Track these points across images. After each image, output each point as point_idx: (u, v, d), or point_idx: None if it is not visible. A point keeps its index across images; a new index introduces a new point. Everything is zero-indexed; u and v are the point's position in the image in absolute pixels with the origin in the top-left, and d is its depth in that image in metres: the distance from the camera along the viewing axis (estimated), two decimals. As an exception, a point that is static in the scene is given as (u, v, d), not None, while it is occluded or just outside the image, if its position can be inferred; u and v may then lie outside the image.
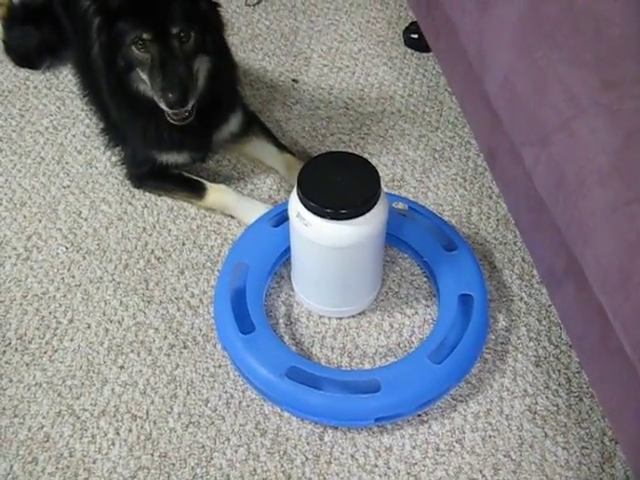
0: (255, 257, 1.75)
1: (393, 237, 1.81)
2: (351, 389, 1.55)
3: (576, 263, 1.34)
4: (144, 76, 1.74)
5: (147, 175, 2.00)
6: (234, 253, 1.77)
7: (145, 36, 1.67)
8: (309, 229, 1.55)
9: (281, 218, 1.79)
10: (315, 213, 1.53)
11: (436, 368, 1.57)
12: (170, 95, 1.69)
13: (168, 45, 1.69)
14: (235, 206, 1.92)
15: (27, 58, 2.35)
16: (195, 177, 1.98)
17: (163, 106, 1.73)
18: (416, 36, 2.35)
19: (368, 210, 1.53)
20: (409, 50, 2.40)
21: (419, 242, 1.81)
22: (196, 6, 1.73)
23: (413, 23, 2.38)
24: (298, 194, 1.55)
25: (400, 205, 1.79)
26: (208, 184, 1.95)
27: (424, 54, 2.37)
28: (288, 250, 1.74)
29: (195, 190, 1.96)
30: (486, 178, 2.01)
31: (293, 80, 2.30)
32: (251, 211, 1.88)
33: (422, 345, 1.62)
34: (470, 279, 1.71)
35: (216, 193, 1.93)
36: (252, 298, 1.68)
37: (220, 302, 1.68)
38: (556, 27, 1.43)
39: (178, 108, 1.73)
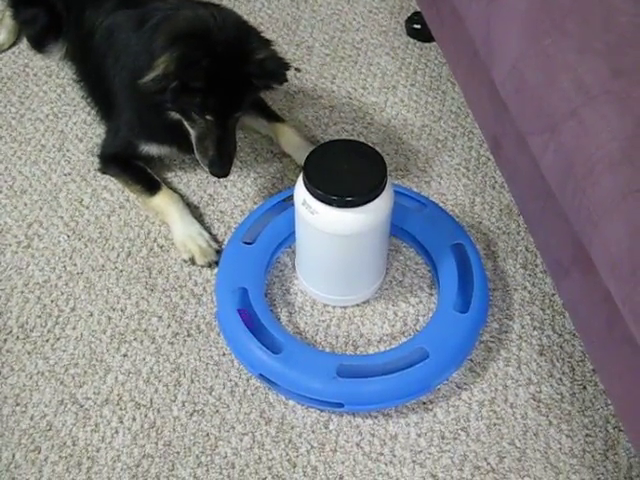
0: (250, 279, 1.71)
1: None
2: (403, 365, 1.55)
3: (583, 251, 1.33)
4: (191, 130, 1.79)
5: (116, 160, 2.00)
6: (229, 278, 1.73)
7: (209, 117, 1.73)
8: (315, 217, 1.55)
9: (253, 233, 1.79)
10: (321, 200, 1.52)
11: (466, 317, 1.61)
12: (216, 167, 1.79)
13: (226, 125, 1.76)
14: (173, 217, 1.88)
15: (36, 41, 2.33)
16: (156, 177, 1.96)
17: (206, 169, 1.81)
18: (418, 26, 2.34)
19: (374, 198, 1.53)
20: (411, 40, 2.39)
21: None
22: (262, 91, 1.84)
23: (416, 13, 2.37)
24: (304, 181, 1.54)
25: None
26: (164, 187, 1.93)
27: (426, 44, 2.37)
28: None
29: (148, 188, 1.93)
30: (489, 168, 2.01)
31: (295, 69, 2.30)
32: (183, 230, 1.85)
33: (443, 300, 1.66)
34: (455, 231, 1.77)
35: (164, 198, 1.90)
36: (265, 317, 1.64)
37: (236, 328, 1.62)
38: (565, 15, 1.43)
39: (221, 177, 1.84)
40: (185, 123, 1.79)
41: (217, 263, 1.80)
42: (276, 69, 1.75)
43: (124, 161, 1.98)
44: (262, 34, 1.80)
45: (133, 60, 1.82)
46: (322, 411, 1.57)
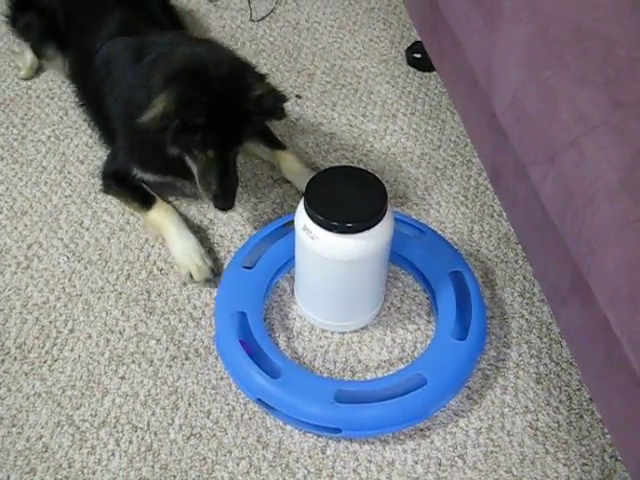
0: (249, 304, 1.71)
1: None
2: (401, 391, 1.56)
3: (582, 279, 1.34)
4: (192, 165, 1.81)
5: (115, 179, 2.01)
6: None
7: (210, 153, 1.74)
8: (315, 242, 1.56)
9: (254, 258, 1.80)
10: (322, 226, 1.53)
11: (464, 344, 1.63)
12: (221, 200, 1.80)
13: (227, 159, 1.78)
14: (170, 231, 1.89)
15: (36, 47, 2.34)
16: (151, 192, 1.97)
17: (210, 202, 1.83)
18: (419, 55, 2.37)
19: (375, 224, 1.54)
20: (412, 69, 2.42)
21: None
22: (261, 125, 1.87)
23: (416, 43, 2.40)
24: (305, 207, 1.56)
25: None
26: (159, 201, 1.94)
27: (426, 73, 2.39)
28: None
29: (144, 203, 1.95)
30: (487, 196, 2.03)
31: (297, 96, 2.32)
32: (181, 243, 1.86)
33: (441, 327, 1.67)
34: (454, 258, 1.79)
35: (160, 211, 1.92)
36: (263, 341, 1.64)
37: (235, 353, 1.63)
38: (565, 48, 1.45)
39: (226, 210, 1.85)
40: (187, 158, 1.81)
41: (212, 280, 1.82)
42: (274, 105, 1.76)
43: (122, 180, 1.99)
44: (256, 69, 1.81)
45: (129, 94, 1.84)
46: (319, 436, 1.57)
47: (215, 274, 1.83)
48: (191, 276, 1.82)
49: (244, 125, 1.76)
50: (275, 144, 2.10)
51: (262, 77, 1.79)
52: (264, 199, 2.03)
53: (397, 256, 1.83)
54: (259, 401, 1.58)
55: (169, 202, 1.99)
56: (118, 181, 2.00)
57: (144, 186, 1.98)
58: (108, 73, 1.93)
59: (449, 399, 1.62)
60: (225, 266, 1.85)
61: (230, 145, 1.77)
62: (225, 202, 1.80)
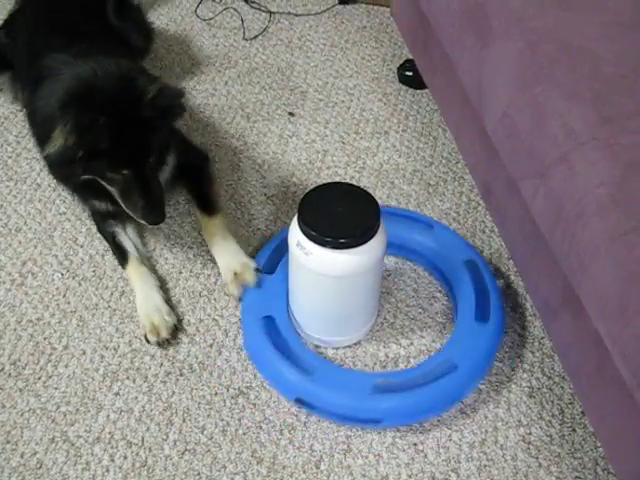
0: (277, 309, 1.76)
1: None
2: (434, 377, 1.62)
3: (573, 293, 1.36)
4: (113, 191, 1.74)
5: (96, 227, 1.99)
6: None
7: (125, 172, 1.69)
8: (309, 258, 1.57)
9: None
10: (315, 242, 1.54)
11: (487, 326, 1.70)
12: (151, 215, 1.74)
13: (144, 173, 1.71)
14: (136, 291, 1.83)
15: None
16: (124, 246, 1.91)
17: (142, 222, 1.77)
18: (410, 73, 2.39)
19: (368, 240, 1.55)
20: (403, 87, 2.44)
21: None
22: (167, 128, 1.78)
23: (408, 61, 2.42)
24: (299, 223, 1.57)
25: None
26: (130, 260, 1.88)
27: (418, 91, 2.41)
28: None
29: (119, 258, 1.92)
30: (479, 212, 2.05)
31: (289, 113, 2.34)
32: (141, 305, 1.80)
33: (463, 312, 1.73)
34: (466, 248, 1.87)
35: (131, 272, 1.87)
36: (294, 343, 1.70)
37: (269, 355, 1.67)
38: (554, 64, 1.47)
39: (159, 223, 1.79)
40: (103, 183, 1.73)
41: (169, 341, 1.76)
42: (170, 103, 1.71)
43: (97, 226, 1.98)
44: (148, 72, 1.78)
45: (33, 125, 1.85)
46: (313, 451, 1.58)
47: (176, 329, 1.78)
48: (147, 339, 1.76)
49: (149, 134, 1.69)
50: (206, 207, 1.97)
51: (154, 79, 1.73)
52: (257, 215, 2.04)
53: (409, 250, 1.90)
54: (298, 401, 1.62)
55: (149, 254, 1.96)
56: (97, 225, 1.98)
57: (117, 238, 1.92)
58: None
59: (479, 381, 1.69)
60: (219, 284, 1.87)
61: (142, 159, 1.70)
62: (155, 216, 1.74)
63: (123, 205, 1.75)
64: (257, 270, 1.80)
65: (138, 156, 1.69)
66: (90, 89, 1.66)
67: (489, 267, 1.84)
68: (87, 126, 1.59)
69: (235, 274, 1.80)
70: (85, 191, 1.86)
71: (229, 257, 1.85)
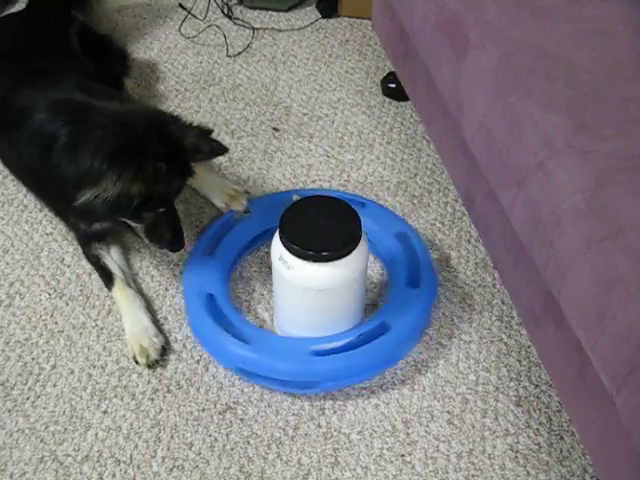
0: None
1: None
2: (367, 339, 1.68)
3: (554, 301, 1.37)
4: (138, 227, 1.77)
5: (83, 252, 1.99)
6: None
7: (160, 210, 1.73)
8: (291, 272, 1.58)
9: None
10: (297, 255, 1.55)
11: (418, 291, 1.78)
12: (176, 245, 1.80)
13: (174, 208, 1.79)
14: (124, 313, 1.83)
15: None
16: (110, 269, 1.91)
17: (164, 250, 1.88)
18: (394, 85, 2.40)
19: (349, 252, 1.56)
20: (387, 99, 2.45)
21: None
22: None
23: (391, 73, 2.43)
24: (280, 237, 1.58)
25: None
26: (116, 281, 1.88)
27: (402, 103, 2.43)
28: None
29: (105, 281, 1.92)
30: (464, 223, 2.05)
31: (274, 129, 2.35)
32: (129, 328, 1.81)
33: (396, 280, 1.83)
34: (397, 222, 1.97)
35: (117, 295, 1.87)
36: (233, 317, 1.75)
37: (210, 329, 1.73)
38: (529, 73, 1.48)
39: (181, 250, 1.86)
40: (129, 223, 1.77)
41: (158, 362, 1.76)
42: (212, 144, 1.74)
43: (82, 249, 1.98)
44: (171, 114, 1.80)
45: (33, 174, 1.89)
46: (301, 465, 1.58)
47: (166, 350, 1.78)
48: (136, 360, 1.76)
49: (186, 174, 1.76)
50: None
51: (180, 120, 1.75)
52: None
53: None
54: (239, 370, 1.69)
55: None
56: (83, 251, 1.99)
57: (102, 261, 1.92)
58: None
59: (412, 343, 1.77)
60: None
61: (177, 196, 1.78)
62: (180, 244, 1.81)
63: (147, 239, 1.79)
64: (247, 192, 2.05)
65: (176, 195, 1.78)
66: (132, 136, 1.65)
67: (420, 238, 1.93)
68: (153, 174, 1.62)
69: (229, 195, 2.02)
70: (83, 218, 1.86)
71: (220, 185, 2.06)
